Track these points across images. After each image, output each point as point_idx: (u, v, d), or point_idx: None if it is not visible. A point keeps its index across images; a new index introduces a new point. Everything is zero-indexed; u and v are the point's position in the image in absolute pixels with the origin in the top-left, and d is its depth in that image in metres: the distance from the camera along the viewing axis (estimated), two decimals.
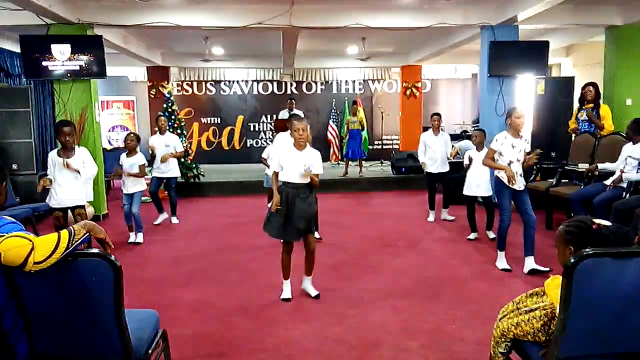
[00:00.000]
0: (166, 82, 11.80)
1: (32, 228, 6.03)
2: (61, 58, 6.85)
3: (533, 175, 6.60)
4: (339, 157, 12.25)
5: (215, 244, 5.79)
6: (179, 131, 8.66)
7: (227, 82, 13.14)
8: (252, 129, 13.27)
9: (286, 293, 3.99)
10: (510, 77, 7.65)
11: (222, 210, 7.96)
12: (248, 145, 13.26)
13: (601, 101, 6.61)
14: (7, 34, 8.05)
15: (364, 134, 10.82)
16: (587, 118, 6.39)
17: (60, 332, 2.01)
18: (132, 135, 6.01)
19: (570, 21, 7.41)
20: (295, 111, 10.07)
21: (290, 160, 3.86)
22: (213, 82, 13.07)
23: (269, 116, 13.04)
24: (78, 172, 4.72)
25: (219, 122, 13.17)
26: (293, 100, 10.41)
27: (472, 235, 5.77)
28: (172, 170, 6.82)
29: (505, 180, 4.44)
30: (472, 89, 13.70)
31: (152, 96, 12.04)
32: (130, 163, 5.82)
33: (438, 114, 6.78)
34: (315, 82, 13.30)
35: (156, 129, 6.96)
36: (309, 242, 3.94)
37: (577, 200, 5.29)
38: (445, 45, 9.31)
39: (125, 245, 5.73)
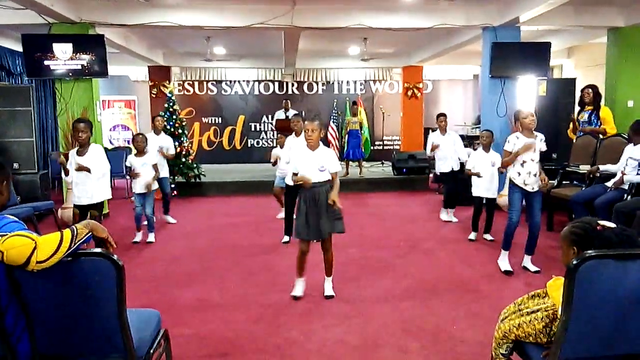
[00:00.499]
0: (167, 82, 11.79)
1: (34, 227, 6.02)
2: (63, 57, 6.86)
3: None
4: (340, 156, 12.23)
5: (216, 244, 5.79)
6: (180, 131, 8.67)
7: (228, 82, 13.15)
8: (253, 129, 13.27)
9: (297, 291, 3.98)
10: (512, 78, 7.65)
11: (223, 210, 7.96)
12: (249, 145, 13.26)
13: (602, 103, 6.61)
14: (9, 33, 8.06)
15: (366, 134, 10.83)
16: (587, 119, 6.39)
17: (62, 331, 2.01)
18: (140, 136, 5.98)
19: (572, 22, 7.41)
20: (291, 111, 10.07)
21: (304, 161, 3.85)
22: (214, 82, 13.08)
23: (270, 116, 13.03)
24: (88, 170, 4.76)
25: (220, 122, 13.18)
26: (288, 101, 10.43)
27: (473, 235, 5.77)
28: (162, 171, 6.75)
29: (517, 181, 4.43)
30: (473, 90, 13.69)
31: (154, 96, 12.04)
32: (143, 162, 5.81)
33: (444, 114, 6.78)
34: (317, 83, 13.30)
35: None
36: (325, 241, 3.91)
37: (579, 202, 5.29)
38: (447, 46, 9.31)
39: (126, 244, 5.73)
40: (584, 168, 5.79)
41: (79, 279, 1.90)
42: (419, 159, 9.70)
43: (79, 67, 6.92)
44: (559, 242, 2.12)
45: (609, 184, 5.09)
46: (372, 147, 12.74)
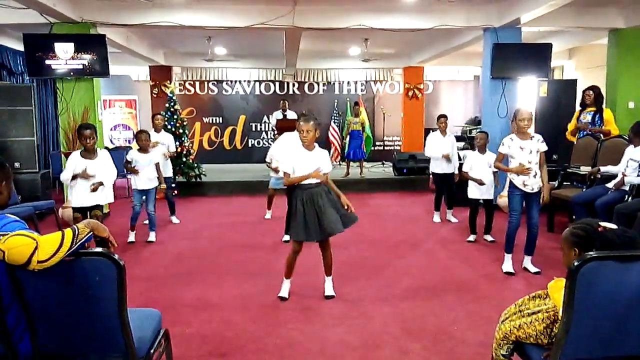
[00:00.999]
0: (168, 82, 11.79)
1: (34, 226, 6.02)
2: (64, 57, 6.86)
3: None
4: (341, 156, 12.22)
5: (216, 244, 5.79)
6: (180, 130, 8.67)
7: (229, 82, 13.15)
8: (253, 129, 13.27)
9: (284, 292, 3.99)
10: (513, 79, 7.64)
11: (223, 209, 7.96)
12: (249, 145, 13.26)
13: (604, 105, 6.60)
14: (11, 32, 8.07)
15: (368, 132, 10.84)
16: (590, 121, 6.39)
17: (63, 330, 2.02)
18: (145, 134, 5.91)
19: (573, 24, 7.41)
20: (289, 112, 10.07)
21: (301, 161, 3.84)
22: (215, 82, 13.08)
23: (270, 116, 13.03)
24: (101, 183, 4.80)
25: (221, 121, 13.17)
26: (286, 101, 10.40)
27: (472, 237, 5.76)
28: (165, 171, 6.74)
29: (516, 182, 4.44)
30: (474, 90, 13.69)
31: (155, 95, 12.05)
32: (149, 159, 5.76)
33: (444, 116, 6.77)
34: (318, 83, 13.30)
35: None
36: (324, 241, 3.91)
37: (580, 203, 5.29)
38: (448, 47, 9.31)
39: (127, 244, 5.74)
40: (585, 169, 5.79)
41: (80, 279, 1.90)
42: (420, 160, 9.69)
43: (80, 66, 6.93)
44: (560, 244, 2.12)
45: (610, 185, 5.09)
46: (373, 148, 12.75)
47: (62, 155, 7.44)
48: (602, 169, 5.34)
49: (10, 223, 1.88)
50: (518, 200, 4.50)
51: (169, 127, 8.35)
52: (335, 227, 3.80)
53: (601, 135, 6.16)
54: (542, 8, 6.19)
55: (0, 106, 7.04)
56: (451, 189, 6.83)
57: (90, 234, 1.92)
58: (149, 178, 5.77)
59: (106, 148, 7.93)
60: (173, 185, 7.49)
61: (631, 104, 7.50)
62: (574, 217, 5.45)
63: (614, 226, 1.98)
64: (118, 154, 8.84)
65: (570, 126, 6.65)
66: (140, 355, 2.10)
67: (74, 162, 4.75)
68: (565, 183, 6.24)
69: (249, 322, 3.56)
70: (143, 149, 5.84)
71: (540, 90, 8.01)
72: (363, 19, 7.28)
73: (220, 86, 13.15)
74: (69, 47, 6.84)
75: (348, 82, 13.38)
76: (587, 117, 6.42)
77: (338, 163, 12.13)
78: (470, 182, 5.71)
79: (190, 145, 9.25)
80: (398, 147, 13.17)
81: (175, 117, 8.67)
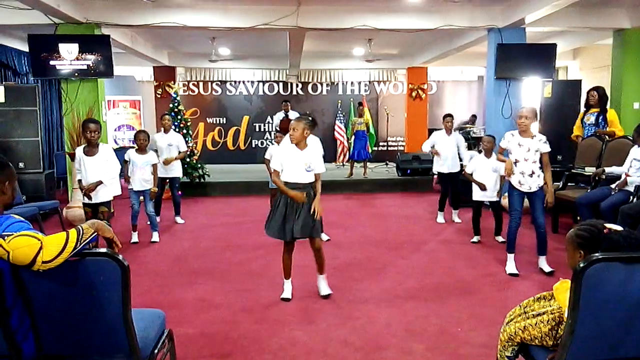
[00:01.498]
0: (172, 82, 11.84)
1: (38, 227, 6.04)
2: (69, 57, 6.89)
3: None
4: (347, 157, 12.21)
5: (220, 244, 5.79)
6: (184, 131, 8.68)
7: (233, 83, 13.16)
8: (257, 129, 13.28)
9: (286, 293, 3.98)
10: (517, 80, 7.63)
11: (227, 210, 7.97)
12: (253, 145, 13.26)
13: (608, 105, 6.57)
14: (16, 33, 8.10)
15: (371, 131, 10.84)
16: (593, 122, 6.36)
17: (67, 331, 2.02)
18: (144, 134, 5.91)
19: (578, 24, 7.38)
20: (291, 113, 10.08)
21: (290, 159, 3.82)
22: (219, 83, 13.09)
23: (274, 117, 13.03)
24: (99, 183, 4.83)
25: (225, 122, 13.19)
26: (288, 103, 10.38)
27: (476, 239, 5.75)
28: (175, 170, 6.76)
29: (513, 181, 4.43)
30: (478, 91, 13.67)
31: (159, 96, 12.08)
32: (145, 161, 5.78)
33: (451, 115, 6.74)
34: (321, 83, 13.30)
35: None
36: (314, 241, 3.91)
37: (584, 204, 5.26)
38: (452, 47, 9.29)
39: (130, 244, 5.74)
40: (590, 170, 5.77)
41: (84, 279, 1.91)
42: (423, 160, 9.68)
43: (85, 67, 6.95)
44: (565, 245, 2.11)
45: (613, 185, 5.06)
46: (376, 148, 12.75)
47: (67, 156, 7.46)
48: (607, 169, 5.32)
49: (14, 223, 1.88)
50: (517, 199, 4.50)
51: (173, 127, 8.36)
52: (302, 232, 3.77)
53: (606, 136, 6.13)
54: (547, 8, 6.16)
55: (5, 106, 7.06)
56: (456, 189, 6.80)
57: (94, 234, 1.92)
58: (145, 180, 5.77)
59: None
60: (176, 185, 7.48)
61: (636, 105, 7.46)
62: (578, 218, 5.42)
63: (619, 227, 1.97)
64: (122, 154, 8.87)
65: (576, 129, 6.62)
66: (144, 356, 2.10)
67: (78, 157, 4.88)
68: (569, 184, 6.22)
69: (253, 322, 3.56)
70: (141, 149, 5.85)
71: (545, 90, 7.99)
72: (367, 19, 7.27)
73: (224, 87, 13.16)
74: (74, 47, 6.86)
75: (352, 83, 13.38)
76: (590, 119, 6.40)
77: (342, 164, 12.13)
78: (473, 185, 5.70)
79: (194, 145, 9.26)
80: (402, 148, 13.14)
81: (179, 117, 8.69)
